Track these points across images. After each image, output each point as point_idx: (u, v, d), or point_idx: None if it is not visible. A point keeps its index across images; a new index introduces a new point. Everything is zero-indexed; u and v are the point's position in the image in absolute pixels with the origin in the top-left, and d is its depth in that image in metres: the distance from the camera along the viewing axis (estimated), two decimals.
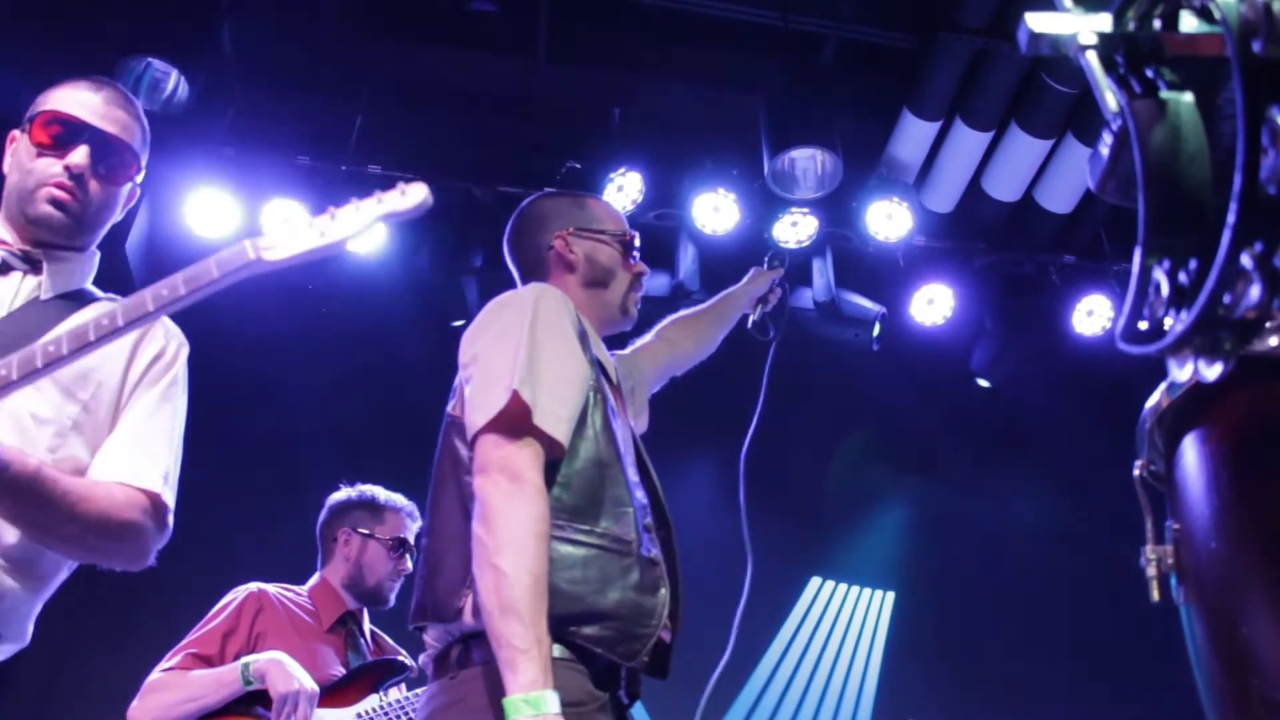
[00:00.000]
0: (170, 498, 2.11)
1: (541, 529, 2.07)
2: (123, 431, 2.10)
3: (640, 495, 2.32)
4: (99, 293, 2.24)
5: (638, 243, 2.73)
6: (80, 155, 2.11)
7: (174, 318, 2.16)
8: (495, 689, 2.01)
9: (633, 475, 2.33)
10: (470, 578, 2.12)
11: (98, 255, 2.28)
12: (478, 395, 2.22)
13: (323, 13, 5.05)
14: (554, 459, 2.18)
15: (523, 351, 2.20)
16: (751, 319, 3.41)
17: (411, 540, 3.75)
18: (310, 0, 5.02)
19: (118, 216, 2.27)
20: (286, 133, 5.18)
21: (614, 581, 2.14)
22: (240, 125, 5.20)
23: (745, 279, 3.42)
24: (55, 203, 2.11)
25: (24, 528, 1.94)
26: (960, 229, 5.65)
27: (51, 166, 2.11)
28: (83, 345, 1.74)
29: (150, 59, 4.65)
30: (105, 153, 2.14)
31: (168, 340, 2.21)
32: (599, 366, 2.39)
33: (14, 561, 1.97)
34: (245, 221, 5.16)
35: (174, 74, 4.70)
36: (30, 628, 2.07)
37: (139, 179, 2.27)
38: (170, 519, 2.12)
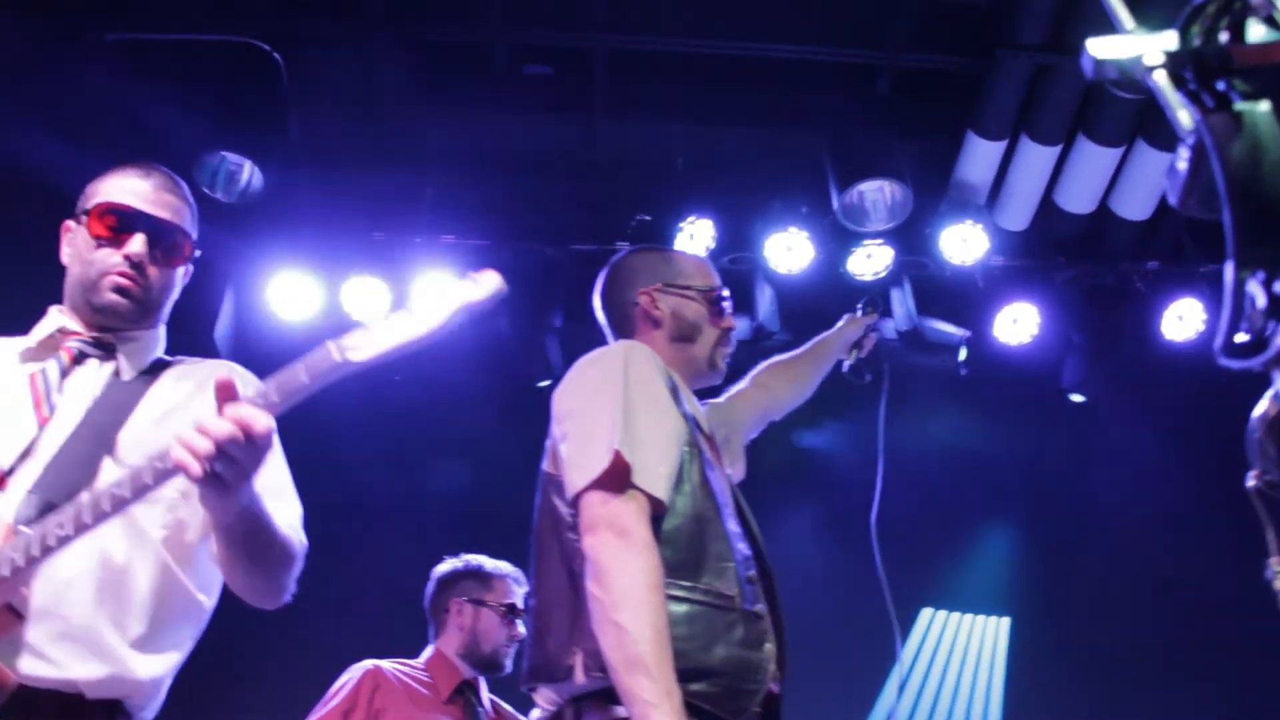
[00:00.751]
0: (304, 540, 2.17)
1: (655, 580, 2.07)
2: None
3: (742, 547, 2.31)
4: (172, 359, 2.31)
5: (727, 296, 2.72)
6: (138, 244, 2.16)
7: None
8: None
9: (733, 527, 2.32)
10: (579, 636, 2.13)
11: (163, 328, 2.34)
12: (576, 455, 2.23)
13: (383, 91, 5.15)
14: (655, 516, 2.18)
15: (619, 410, 2.21)
16: (846, 363, 3.41)
17: (520, 604, 3.76)
18: (369, 79, 5.13)
19: (176, 294, 2.33)
20: (359, 210, 5.28)
21: (719, 638, 2.14)
22: (314, 207, 5.31)
23: (839, 324, 3.42)
24: (119, 290, 2.16)
25: (242, 551, 1.98)
26: (1037, 246, 5.56)
27: (111, 256, 2.16)
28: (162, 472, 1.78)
29: (224, 153, 4.80)
30: (160, 237, 2.20)
31: (245, 390, 2.24)
32: (692, 420, 2.39)
33: (149, 645, 2.01)
34: (327, 301, 5.26)
35: (247, 165, 4.84)
36: (164, 694, 2.11)
37: (193, 256, 2.32)
38: (303, 560, 2.17)
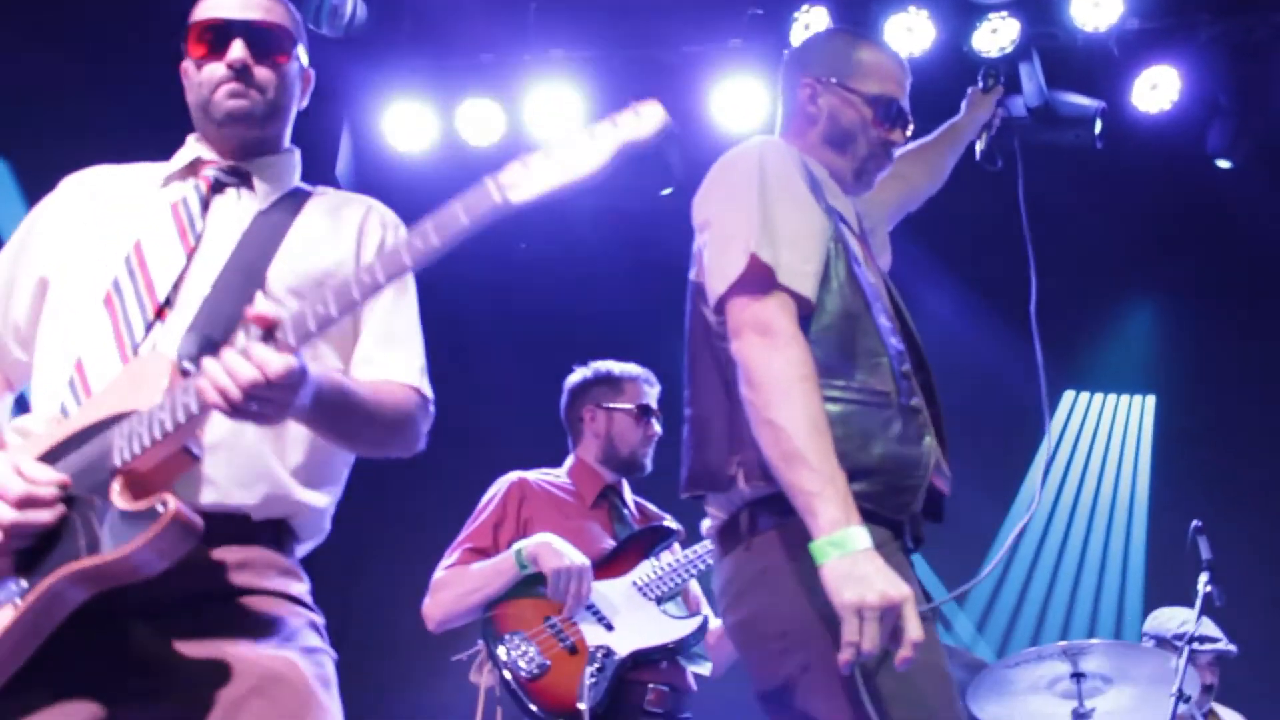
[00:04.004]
0: (428, 388, 2.19)
1: (805, 372, 2.04)
2: (371, 329, 2.17)
3: (895, 342, 2.25)
4: (310, 188, 2.29)
5: (900, 106, 2.48)
6: (237, 49, 2.12)
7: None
8: (793, 549, 2.02)
9: (885, 322, 2.26)
10: (737, 445, 2.13)
11: (297, 152, 2.31)
12: (715, 262, 2.20)
13: None
14: (804, 317, 2.14)
15: (755, 212, 2.16)
16: (978, 148, 3.28)
17: (654, 405, 3.79)
18: None
19: (302, 102, 2.30)
20: (465, 33, 5.19)
21: (875, 436, 2.11)
22: (419, 35, 5.23)
23: (965, 106, 3.29)
24: (232, 95, 2.14)
25: (331, 436, 2.04)
26: (1177, 3, 5.21)
27: (216, 70, 2.14)
28: (349, 304, 1.75)
29: None
30: (259, 39, 2.15)
31: (384, 229, 2.24)
32: (837, 215, 2.31)
33: (307, 474, 2.07)
34: (442, 128, 5.24)
35: None
36: (328, 524, 2.18)
37: (305, 60, 2.27)
38: (432, 407, 2.19)
